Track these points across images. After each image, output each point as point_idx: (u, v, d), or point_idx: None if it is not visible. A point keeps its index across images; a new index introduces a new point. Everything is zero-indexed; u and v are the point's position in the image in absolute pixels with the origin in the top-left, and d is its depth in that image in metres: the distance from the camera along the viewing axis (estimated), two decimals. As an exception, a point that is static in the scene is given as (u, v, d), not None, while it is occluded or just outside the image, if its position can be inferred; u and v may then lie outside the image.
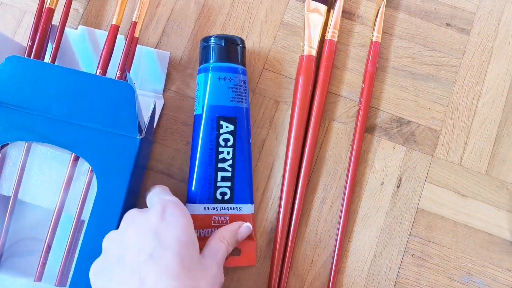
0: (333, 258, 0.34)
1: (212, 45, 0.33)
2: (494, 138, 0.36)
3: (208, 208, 0.31)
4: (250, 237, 0.32)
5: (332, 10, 0.37)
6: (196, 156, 0.32)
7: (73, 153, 0.30)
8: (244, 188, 0.32)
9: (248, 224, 0.32)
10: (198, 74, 0.34)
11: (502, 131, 0.36)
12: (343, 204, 0.34)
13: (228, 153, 0.32)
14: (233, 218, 0.32)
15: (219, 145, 0.32)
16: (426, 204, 0.35)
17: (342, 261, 0.34)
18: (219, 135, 0.32)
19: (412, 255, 0.34)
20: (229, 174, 0.32)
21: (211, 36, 0.33)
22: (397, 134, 0.36)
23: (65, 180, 0.30)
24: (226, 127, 0.32)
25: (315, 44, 0.36)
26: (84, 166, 0.31)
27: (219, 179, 0.32)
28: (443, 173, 0.36)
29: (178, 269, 0.24)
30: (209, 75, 0.32)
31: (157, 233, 0.25)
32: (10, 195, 0.31)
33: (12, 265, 0.31)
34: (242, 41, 0.34)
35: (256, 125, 0.36)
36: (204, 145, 0.32)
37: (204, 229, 0.31)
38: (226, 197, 0.32)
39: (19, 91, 0.29)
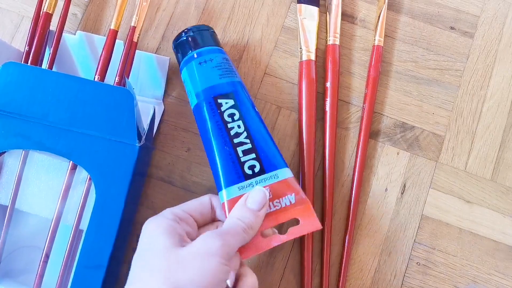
0: (340, 266, 0.33)
1: (183, 39, 0.32)
2: (499, 143, 0.36)
3: (243, 187, 0.28)
4: (302, 201, 0.28)
5: (328, 13, 0.36)
6: (209, 143, 0.29)
7: (71, 161, 0.30)
8: (271, 154, 0.29)
9: (258, 187, 0.27)
10: (181, 73, 0.32)
11: (507, 136, 0.36)
12: (349, 211, 0.34)
13: (238, 126, 0.29)
14: (275, 188, 0.28)
15: (226, 122, 0.29)
16: (430, 211, 0.35)
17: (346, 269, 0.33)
18: (222, 113, 0.29)
19: (417, 263, 0.34)
20: (249, 145, 0.29)
21: (178, 35, 0.32)
22: (401, 140, 0.36)
23: (63, 189, 0.30)
24: (226, 103, 0.30)
25: (313, 47, 0.35)
26: (82, 174, 0.31)
27: (240, 154, 0.28)
28: (447, 179, 0.35)
29: None
30: (191, 64, 0.31)
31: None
32: (7, 204, 0.30)
33: (9, 274, 0.31)
34: (210, 28, 0.33)
35: (257, 131, 0.35)
36: (212, 129, 0.29)
37: None
38: (256, 169, 0.28)
39: (16, 97, 0.28)
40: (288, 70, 0.37)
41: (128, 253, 0.33)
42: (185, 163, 0.35)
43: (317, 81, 0.35)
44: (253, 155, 0.29)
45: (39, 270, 0.29)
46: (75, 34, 0.35)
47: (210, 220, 0.28)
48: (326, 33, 0.36)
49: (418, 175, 0.35)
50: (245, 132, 0.29)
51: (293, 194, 0.28)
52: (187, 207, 0.27)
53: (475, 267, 0.34)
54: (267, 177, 0.28)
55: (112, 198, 0.28)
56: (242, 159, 0.29)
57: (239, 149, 0.29)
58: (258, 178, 0.28)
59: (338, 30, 0.36)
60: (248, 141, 0.29)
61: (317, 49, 0.36)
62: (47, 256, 0.29)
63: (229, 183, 0.28)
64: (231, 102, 0.30)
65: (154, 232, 0.24)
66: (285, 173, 0.29)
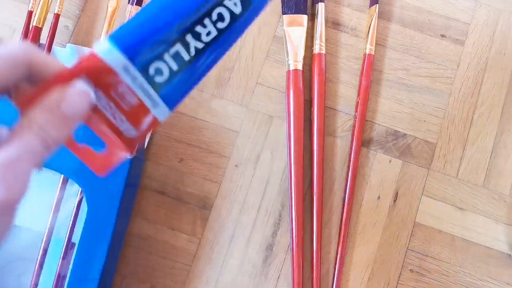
0: (334, 274, 0.33)
1: None
2: (491, 149, 0.36)
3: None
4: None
5: (316, 21, 0.37)
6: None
7: (62, 175, 0.30)
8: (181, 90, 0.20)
9: (80, 85, 0.17)
10: None
11: (498, 143, 0.36)
12: (341, 219, 0.34)
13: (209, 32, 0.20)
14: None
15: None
16: (423, 218, 0.35)
17: (339, 278, 0.34)
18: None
19: (410, 270, 0.34)
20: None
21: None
22: (393, 148, 0.36)
23: (55, 202, 0.30)
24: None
25: (301, 57, 0.35)
26: (74, 188, 0.31)
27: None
28: (439, 186, 0.35)
29: None
30: None
31: None
32: None
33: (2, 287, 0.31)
34: None
35: (250, 141, 0.36)
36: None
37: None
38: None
39: (6, 111, 0.28)
40: (280, 80, 0.37)
41: (121, 265, 0.33)
42: (178, 173, 0.35)
43: (304, 90, 0.35)
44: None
45: (32, 283, 0.29)
46: (65, 47, 0.35)
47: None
48: (312, 42, 0.36)
49: (410, 183, 0.35)
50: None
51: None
52: None
53: (468, 274, 0.34)
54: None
55: (104, 211, 0.28)
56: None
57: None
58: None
59: (324, 39, 0.36)
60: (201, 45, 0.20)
61: (305, 58, 0.36)
62: (40, 269, 0.30)
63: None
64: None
65: None
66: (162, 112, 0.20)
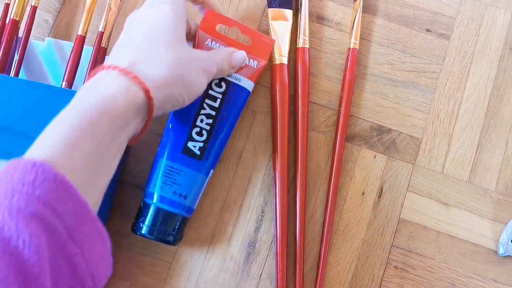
0: (317, 271, 0.33)
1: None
2: (476, 145, 0.36)
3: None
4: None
5: (300, 15, 0.36)
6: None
7: None
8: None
9: (243, 52, 0.31)
10: None
11: (484, 138, 0.36)
12: (325, 215, 0.34)
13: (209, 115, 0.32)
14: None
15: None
16: (408, 214, 0.34)
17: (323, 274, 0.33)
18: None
19: (395, 267, 0.34)
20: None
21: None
22: (377, 143, 0.35)
23: None
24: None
25: (285, 51, 0.35)
26: None
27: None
28: (425, 182, 0.35)
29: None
30: None
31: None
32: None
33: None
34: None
35: (232, 136, 0.35)
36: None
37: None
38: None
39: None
40: (263, 74, 0.36)
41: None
42: (160, 169, 0.34)
43: (289, 84, 0.35)
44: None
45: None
46: (44, 41, 0.34)
47: None
48: (297, 36, 0.36)
49: (395, 178, 0.35)
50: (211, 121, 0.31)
51: None
52: None
53: (453, 270, 0.34)
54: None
55: None
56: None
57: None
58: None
59: (307, 33, 0.36)
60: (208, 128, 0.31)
61: (289, 52, 0.35)
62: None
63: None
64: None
65: (168, 16, 0.27)
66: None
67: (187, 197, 0.30)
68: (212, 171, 0.32)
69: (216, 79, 0.31)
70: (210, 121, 0.31)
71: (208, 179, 0.32)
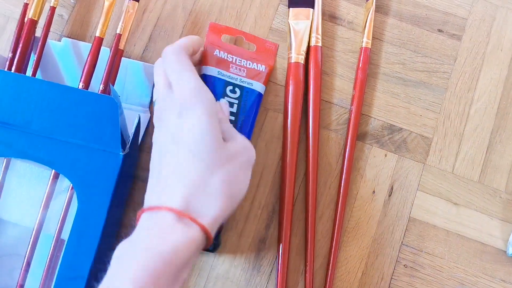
0: (327, 269, 0.33)
1: None
2: (487, 145, 0.36)
3: None
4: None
5: (313, 13, 0.36)
6: None
7: (53, 170, 0.29)
8: None
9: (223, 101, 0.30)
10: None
11: (494, 138, 0.36)
12: (336, 213, 0.34)
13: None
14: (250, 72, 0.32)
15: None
16: (418, 213, 0.35)
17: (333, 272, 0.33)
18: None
19: (404, 265, 0.34)
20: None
21: None
22: (388, 142, 0.36)
23: (45, 198, 0.30)
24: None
25: (303, 50, 0.35)
26: (64, 183, 0.30)
27: None
28: (435, 181, 0.35)
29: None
30: None
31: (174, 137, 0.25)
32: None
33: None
34: None
35: (244, 133, 0.35)
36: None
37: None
38: None
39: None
40: (276, 72, 0.36)
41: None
42: (172, 165, 0.34)
43: (304, 83, 0.35)
44: None
45: (20, 279, 0.29)
46: (60, 38, 0.35)
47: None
48: (310, 34, 0.36)
49: (405, 177, 0.35)
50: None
51: None
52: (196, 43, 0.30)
53: (463, 270, 0.34)
54: None
55: (95, 207, 0.28)
56: None
57: None
58: None
59: (320, 31, 0.36)
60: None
61: (306, 51, 0.35)
62: (27, 266, 0.29)
63: None
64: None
65: (203, 124, 0.25)
66: None
67: None
68: None
69: (230, 85, 0.32)
70: None
71: None
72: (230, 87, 0.32)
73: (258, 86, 0.33)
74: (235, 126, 0.31)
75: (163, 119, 0.26)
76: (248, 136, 0.32)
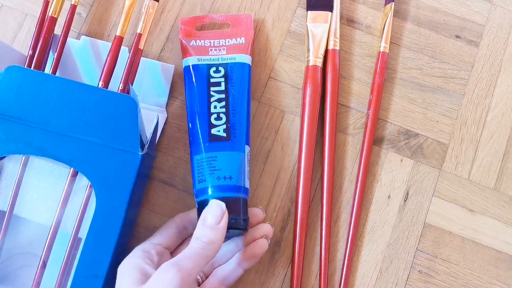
0: (342, 273, 0.33)
1: None
2: (503, 152, 0.36)
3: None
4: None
5: (331, 17, 0.36)
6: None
7: (72, 168, 0.29)
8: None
9: (214, 201, 0.28)
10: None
11: (511, 146, 0.36)
12: (351, 217, 0.34)
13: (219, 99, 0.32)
14: None
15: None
16: (433, 219, 0.34)
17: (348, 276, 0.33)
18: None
19: (419, 271, 0.34)
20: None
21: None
22: (404, 147, 0.36)
23: (63, 196, 0.29)
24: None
25: (321, 53, 0.35)
26: (82, 182, 0.30)
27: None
28: (451, 187, 0.35)
29: None
30: None
31: None
32: (6, 210, 0.30)
33: (5, 280, 0.30)
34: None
35: (260, 136, 0.35)
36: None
37: None
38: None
39: (18, 102, 0.28)
40: (293, 75, 0.36)
41: (128, 256, 0.32)
42: (187, 165, 0.34)
43: (321, 87, 0.35)
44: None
45: (36, 277, 0.29)
46: (78, 36, 0.35)
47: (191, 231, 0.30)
48: (327, 38, 0.36)
49: (421, 183, 0.35)
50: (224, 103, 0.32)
51: None
52: (155, 238, 0.30)
53: (477, 276, 0.34)
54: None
55: (113, 206, 0.28)
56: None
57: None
58: None
59: (338, 35, 0.36)
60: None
61: (324, 54, 0.35)
62: (44, 264, 0.29)
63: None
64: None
65: (121, 273, 0.26)
66: None
67: (232, 177, 0.30)
68: (247, 147, 0.32)
69: (213, 66, 0.33)
70: (223, 103, 0.32)
71: (246, 155, 0.32)
72: (213, 68, 0.33)
73: (242, 58, 0.33)
74: (227, 103, 0.32)
75: None
76: (246, 108, 0.32)
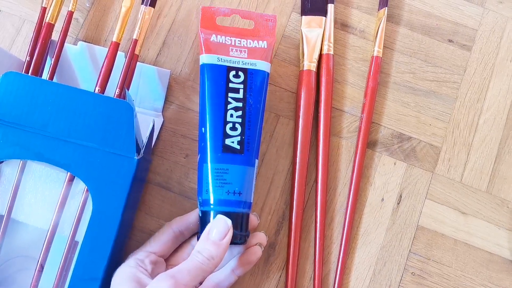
0: (336, 275, 0.33)
1: None
2: (495, 155, 0.36)
3: None
4: None
5: (325, 22, 0.37)
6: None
7: (69, 173, 0.30)
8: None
9: (219, 217, 0.28)
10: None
11: (503, 149, 0.36)
12: (345, 220, 0.34)
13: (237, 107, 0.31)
14: None
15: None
16: (426, 222, 0.35)
17: (341, 278, 0.34)
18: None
19: (412, 273, 0.34)
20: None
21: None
22: (398, 150, 0.36)
23: (60, 200, 0.30)
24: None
25: (315, 58, 0.36)
26: (79, 186, 0.30)
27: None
28: (443, 190, 0.35)
29: None
30: None
31: None
32: (3, 214, 0.30)
33: (3, 284, 0.31)
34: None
35: (256, 139, 0.36)
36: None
37: None
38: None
39: (15, 107, 0.28)
40: (287, 79, 0.37)
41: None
42: (183, 169, 0.35)
43: (315, 91, 0.35)
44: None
45: (33, 280, 0.29)
46: (75, 42, 0.35)
47: (190, 234, 0.31)
48: (322, 42, 0.36)
49: (414, 186, 0.35)
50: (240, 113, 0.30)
51: None
52: (150, 246, 0.30)
53: (470, 278, 0.34)
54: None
55: (109, 210, 0.28)
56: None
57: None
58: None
59: (332, 40, 0.36)
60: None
61: (318, 59, 0.36)
62: (41, 267, 0.29)
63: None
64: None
65: (115, 283, 0.27)
66: None
67: (241, 192, 0.29)
68: (257, 160, 0.31)
69: (233, 69, 0.30)
70: (240, 113, 0.30)
71: (255, 169, 0.31)
72: (233, 72, 0.30)
73: (263, 65, 0.31)
74: (244, 113, 0.30)
75: None
76: (261, 120, 0.31)
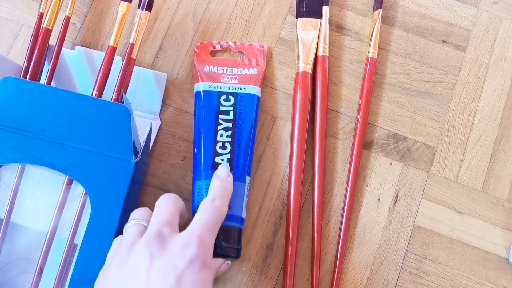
0: (333, 274, 0.34)
1: None
2: (490, 154, 0.36)
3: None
4: None
5: (320, 24, 0.37)
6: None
7: (67, 176, 0.30)
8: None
9: (222, 165, 0.32)
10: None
11: (498, 148, 0.37)
12: (342, 220, 0.34)
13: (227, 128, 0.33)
14: None
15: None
16: (422, 221, 0.35)
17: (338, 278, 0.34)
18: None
19: (409, 272, 0.34)
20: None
21: None
22: (393, 151, 0.36)
23: (58, 203, 0.30)
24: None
25: (311, 60, 0.36)
26: (77, 189, 0.31)
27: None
28: (439, 189, 0.36)
29: None
30: None
31: None
32: (3, 218, 0.31)
33: (4, 287, 0.31)
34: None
35: (253, 141, 0.36)
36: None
37: None
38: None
39: (13, 112, 0.28)
40: (284, 81, 0.37)
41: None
42: (180, 171, 0.35)
43: (311, 92, 0.36)
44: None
45: (33, 283, 0.29)
46: (72, 46, 0.35)
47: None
48: (317, 44, 0.37)
49: (410, 186, 0.36)
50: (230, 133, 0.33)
51: None
52: (162, 215, 0.29)
53: (466, 277, 0.34)
54: None
55: (107, 213, 0.28)
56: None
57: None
58: None
59: (327, 41, 0.37)
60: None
61: (313, 61, 0.36)
62: (41, 270, 0.30)
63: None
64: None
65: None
66: None
67: (231, 206, 0.31)
68: (248, 177, 0.33)
69: (223, 94, 0.34)
70: (229, 132, 0.33)
71: (246, 185, 0.33)
72: (224, 97, 0.34)
73: (252, 89, 0.34)
74: (233, 132, 0.33)
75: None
76: (251, 139, 0.33)
